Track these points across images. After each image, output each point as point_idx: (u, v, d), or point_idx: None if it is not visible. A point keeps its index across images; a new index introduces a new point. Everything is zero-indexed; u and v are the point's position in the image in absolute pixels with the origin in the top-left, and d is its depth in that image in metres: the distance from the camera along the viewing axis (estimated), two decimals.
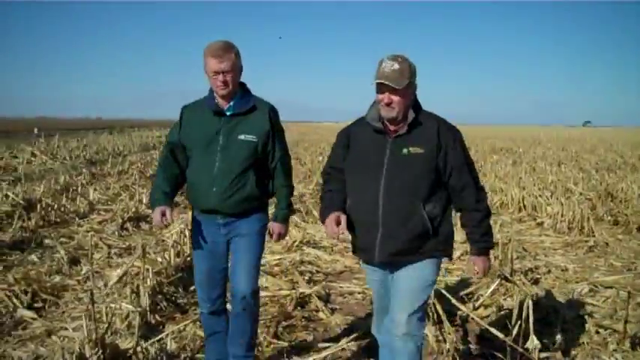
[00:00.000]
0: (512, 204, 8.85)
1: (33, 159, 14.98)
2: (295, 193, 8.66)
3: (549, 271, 5.34)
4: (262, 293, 4.47)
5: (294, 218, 7.44)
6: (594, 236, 6.78)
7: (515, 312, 3.30)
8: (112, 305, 3.74)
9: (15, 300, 4.20)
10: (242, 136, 2.98)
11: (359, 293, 4.73)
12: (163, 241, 6.00)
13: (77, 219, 7.31)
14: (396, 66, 2.57)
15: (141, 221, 7.26)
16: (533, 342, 3.14)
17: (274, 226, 3.14)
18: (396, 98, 2.57)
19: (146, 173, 11.93)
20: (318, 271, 5.29)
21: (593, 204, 8.47)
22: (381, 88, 2.60)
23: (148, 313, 3.81)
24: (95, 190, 9.19)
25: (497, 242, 5.43)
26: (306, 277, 4.99)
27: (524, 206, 8.59)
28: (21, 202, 7.68)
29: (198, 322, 3.86)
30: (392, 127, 2.66)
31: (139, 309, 3.60)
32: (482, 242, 2.72)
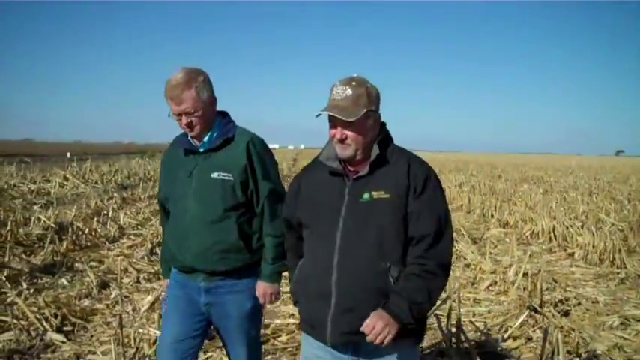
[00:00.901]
0: (543, 234, 8.76)
1: (65, 183, 15.20)
2: None
3: (579, 303, 5.27)
4: (289, 320, 4.49)
5: None
6: (626, 268, 6.68)
7: (546, 345, 3.26)
8: (140, 330, 3.76)
9: (45, 323, 4.25)
10: (215, 174, 2.54)
11: None
12: None
13: (107, 243, 7.40)
14: (349, 92, 2.10)
15: None
16: None
17: (258, 286, 2.61)
18: (350, 133, 2.10)
19: None
20: None
21: (625, 235, 8.35)
22: (332, 120, 2.12)
23: None
24: (126, 214, 9.29)
25: (527, 272, 5.40)
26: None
27: (555, 236, 8.49)
28: (53, 225, 7.79)
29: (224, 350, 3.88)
30: (352, 168, 2.17)
31: None
32: (399, 303, 2.02)
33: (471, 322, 4.48)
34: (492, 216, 10.83)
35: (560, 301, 5.24)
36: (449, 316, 3.97)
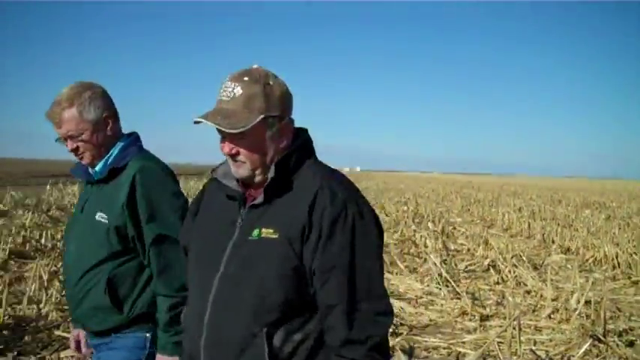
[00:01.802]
0: (606, 261, 8.53)
1: None
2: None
3: None
4: None
5: None
6: None
7: None
8: None
9: None
10: (97, 215, 2.10)
11: (444, 348, 4.63)
12: None
13: None
14: (238, 91, 1.57)
15: None
16: None
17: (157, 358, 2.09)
18: (242, 148, 1.59)
19: None
20: (402, 324, 5.22)
21: None
22: (219, 131, 1.59)
23: None
24: None
25: (590, 300, 5.26)
26: (390, 330, 4.92)
27: (618, 264, 8.25)
28: None
29: None
30: (253, 190, 1.66)
31: None
32: None
33: (532, 350, 4.39)
34: (553, 241, 10.60)
35: (625, 330, 5.08)
36: (510, 345, 3.90)
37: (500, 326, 5.14)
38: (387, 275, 7.02)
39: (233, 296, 1.56)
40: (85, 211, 2.16)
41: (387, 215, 14.73)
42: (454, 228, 12.08)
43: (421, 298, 6.13)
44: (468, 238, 10.75)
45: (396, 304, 5.75)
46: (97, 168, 2.15)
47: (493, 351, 4.30)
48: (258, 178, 1.63)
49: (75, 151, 2.11)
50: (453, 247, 9.46)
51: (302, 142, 1.67)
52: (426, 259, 8.01)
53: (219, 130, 1.57)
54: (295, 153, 1.64)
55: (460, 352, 4.51)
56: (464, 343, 4.71)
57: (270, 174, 1.59)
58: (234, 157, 1.59)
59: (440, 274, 6.54)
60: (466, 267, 8.02)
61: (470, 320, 5.35)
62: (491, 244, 8.66)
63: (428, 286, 6.61)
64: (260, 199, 1.60)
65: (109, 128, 2.15)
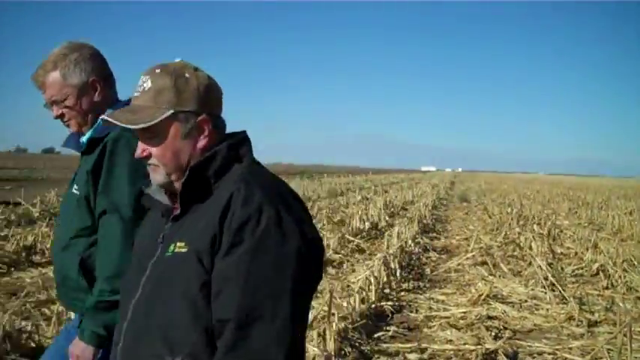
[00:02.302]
0: None
1: None
2: (482, 245, 8.54)
3: None
4: (447, 346, 4.41)
5: (482, 271, 7.25)
6: None
7: None
8: None
9: None
10: (74, 187, 1.98)
11: (549, 354, 4.48)
12: (349, 286, 6.09)
13: None
14: (148, 84, 1.41)
15: (327, 266, 7.42)
16: None
17: (70, 348, 1.89)
18: (153, 149, 1.43)
19: (334, 218, 12.20)
20: (505, 328, 5.09)
21: None
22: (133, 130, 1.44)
23: (333, 357, 3.86)
24: None
25: None
26: (492, 333, 4.81)
27: None
28: None
29: None
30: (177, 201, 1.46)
31: (325, 353, 3.66)
32: None
33: None
34: None
35: None
36: (620, 352, 3.73)
37: (610, 333, 4.94)
38: (490, 278, 6.87)
39: (143, 324, 1.39)
40: (70, 185, 2.02)
41: (490, 217, 14.43)
42: (560, 231, 11.68)
43: (525, 302, 5.96)
44: (575, 241, 10.36)
45: (499, 307, 5.62)
46: (84, 138, 2.00)
47: (602, 358, 4.12)
48: (177, 185, 1.43)
49: (60, 117, 1.97)
50: (559, 251, 9.15)
51: (230, 143, 1.45)
52: (530, 263, 7.77)
53: (132, 131, 1.43)
54: (219, 155, 1.42)
55: (566, 358, 4.35)
56: (570, 349, 4.55)
57: (183, 179, 1.40)
58: (146, 159, 1.43)
59: (546, 278, 6.34)
60: (573, 271, 7.75)
61: (577, 326, 5.16)
62: (600, 247, 8.31)
63: (532, 289, 6.42)
64: (178, 210, 1.43)
65: (97, 93, 1.97)
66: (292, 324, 1.31)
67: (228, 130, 1.50)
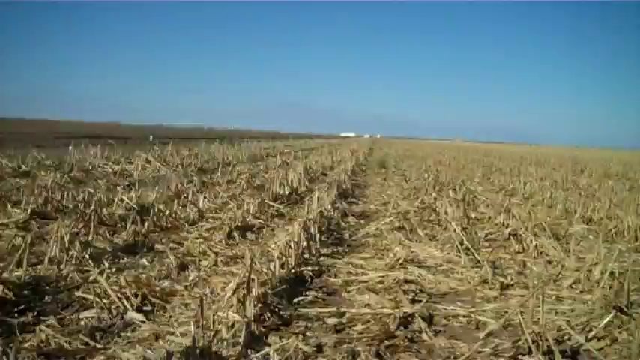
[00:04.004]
0: (628, 232, 8.41)
1: (147, 165, 15.56)
2: (399, 210, 8.65)
3: None
4: (365, 310, 4.46)
5: (399, 236, 7.37)
6: None
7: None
8: (220, 314, 3.78)
9: (125, 302, 4.33)
10: None
11: (464, 317, 4.59)
12: (268, 251, 6.07)
13: (187, 226, 7.51)
14: None
15: (247, 231, 7.38)
16: None
17: None
18: None
19: (253, 184, 12.13)
20: (421, 291, 5.18)
21: None
22: None
23: (252, 323, 3.83)
24: (205, 198, 9.41)
25: (613, 271, 5.19)
26: (410, 297, 4.89)
27: None
28: (135, 206, 7.97)
29: (301, 336, 3.88)
30: None
31: (245, 319, 3.64)
32: None
33: (553, 320, 4.34)
34: (575, 212, 10.48)
35: None
36: (532, 314, 3.86)
37: (522, 295, 5.10)
38: (407, 242, 6.99)
39: None
40: None
41: (407, 183, 14.67)
42: (474, 196, 11.97)
43: (441, 265, 6.09)
44: (488, 206, 10.66)
45: (416, 271, 5.72)
46: None
47: (514, 320, 4.26)
48: None
49: None
50: (473, 216, 9.38)
51: None
52: (446, 227, 7.95)
53: None
54: None
55: (480, 320, 4.47)
56: (484, 311, 4.67)
57: None
58: None
59: (461, 242, 6.48)
60: (486, 235, 7.96)
61: (490, 289, 5.30)
62: (512, 213, 8.56)
63: (448, 253, 6.56)
64: None
65: None
66: None
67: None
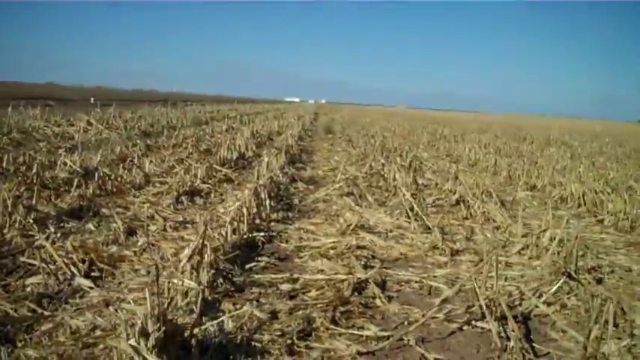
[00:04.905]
0: (572, 199, 8.61)
1: (89, 128, 15.17)
2: (348, 176, 8.63)
3: (613, 271, 5.15)
4: (319, 276, 4.44)
5: (349, 201, 7.37)
6: None
7: (593, 314, 3.17)
8: (175, 281, 3.70)
9: (73, 268, 4.20)
10: None
11: (415, 282, 4.61)
12: (218, 217, 5.99)
13: (133, 190, 7.35)
14: None
15: (195, 196, 7.27)
16: (611, 347, 3.01)
17: None
18: None
19: (199, 148, 11.95)
20: (373, 257, 5.19)
21: None
22: None
23: (206, 289, 3.77)
24: (151, 162, 9.23)
25: (562, 238, 5.28)
26: (362, 263, 4.89)
27: (584, 202, 8.34)
28: (78, 170, 7.76)
29: (255, 302, 3.83)
30: None
31: (201, 286, 3.57)
32: None
33: (503, 286, 4.41)
34: (519, 178, 10.67)
35: (593, 268, 5.12)
36: (485, 280, 3.90)
37: (472, 261, 5.17)
38: (358, 208, 6.99)
39: None
40: None
41: (354, 149, 14.68)
42: (421, 163, 12.06)
43: (391, 231, 6.10)
44: (435, 172, 10.76)
45: (367, 237, 5.72)
46: None
47: (466, 285, 4.30)
48: None
49: None
50: (420, 182, 9.44)
51: None
52: (395, 193, 7.99)
53: None
54: None
55: (432, 286, 4.50)
56: (436, 277, 4.70)
57: None
58: None
59: (411, 208, 6.51)
60: (434, 201, 8.02)
61: (440, 255, 5.35)
62: (460, 179, 8.64)
63: (398, 219, 6.59)
64: None
65: None
66: None
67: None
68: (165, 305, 3.05)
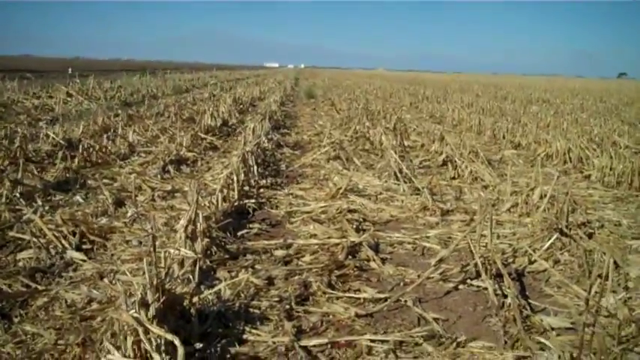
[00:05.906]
0: (557, 156, 8.65)
1: (69, 99, 14.97)
2: (334, 139, 8.59)
3: (602, 226, 5.18)
4: (312, 241, 4.43)
5: (337, 165, 7.35)
6: None
7: (593, 269, 3.18)
8: (171, 251, 3.67)
9: (63, 241, 4.16)
10: None
11: (408, 243, 4.62)
12: (206, 185, 5.95)
13: (118, 160, 7.28)
14: None
15: (182, 164, 7.21)
16: (609, 300, 3.03)
17: None
18: None
19: (182, 116, 11.84)
20: (364, 220, 5.18)
21: None
22: None
23: (201, 257, 3.75)
24: (134, 131, 9.13)
25: (554, 195, 5.30)
26: (354, 226, 4.88)
27: (570, 158, 8.37)
28: (61, 142, 7.67)
29: (251, 269, 3.82)
30: None
31: (198, 255, 3.55)
32: None
33: (496, 244, 4.42)
34: (504, 137, 10.69)
35: (583, 223, 5.15)
36: (480, 239, 3.91)
37: (462, 220, 5.18)
38: (346, 172, 6.97)
39: None
40: None
41: (338, 112, 14.61)
42: (405, 125, 12.03)
43: (381, 194, 6.09)
44: (420, 134, 10.75)
45: (357, 200, 5.71)
46: None
47: (459, 245, 4.30)
48: None
49: None
50: (406, 144, 9.41)
51: None
52: (382, 156, 7.97)
53: None
54: None
55: (425, 246, 4.51)
56: (428, 238, 4.71)
57: None
58: None
59: (400, 170, 6.51)
60: (421, 163, 8.03)
61: (431, 215, 5.35)
62: (446, 140, 8.63)
63: (386, 182, 6.58)
64: None
65: None
66: None
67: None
68: (163, 275, 3.02)
